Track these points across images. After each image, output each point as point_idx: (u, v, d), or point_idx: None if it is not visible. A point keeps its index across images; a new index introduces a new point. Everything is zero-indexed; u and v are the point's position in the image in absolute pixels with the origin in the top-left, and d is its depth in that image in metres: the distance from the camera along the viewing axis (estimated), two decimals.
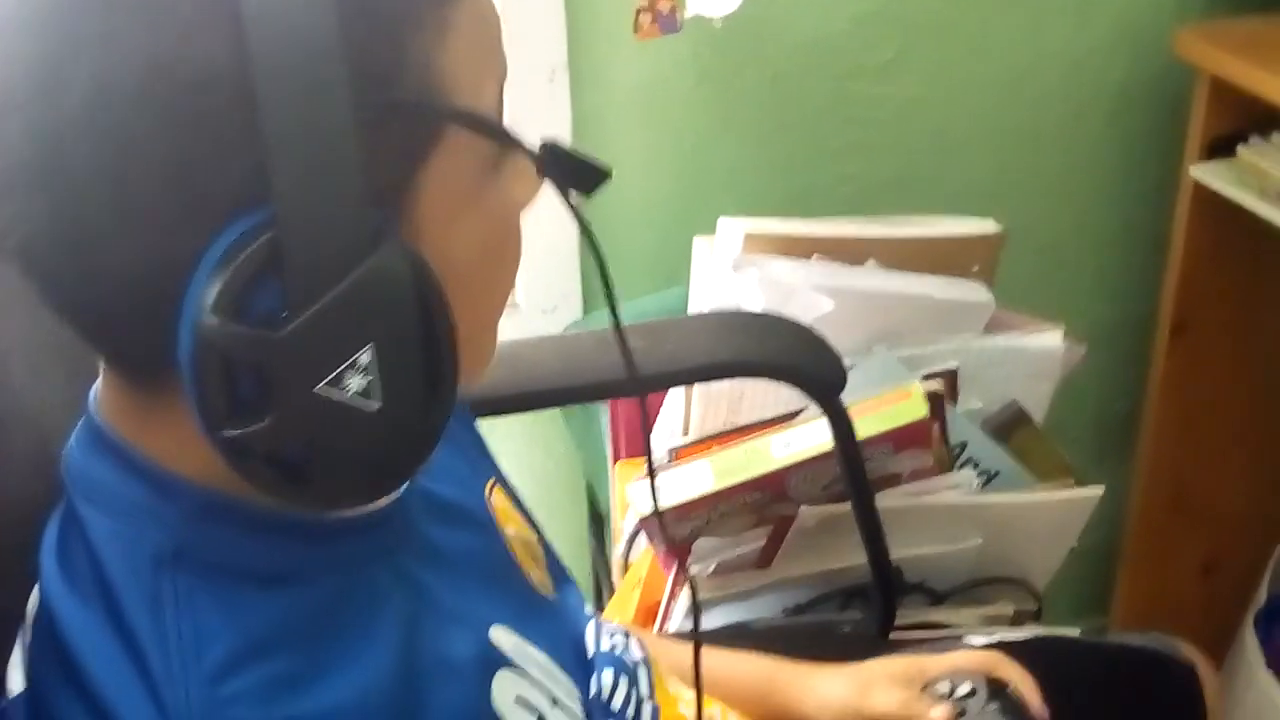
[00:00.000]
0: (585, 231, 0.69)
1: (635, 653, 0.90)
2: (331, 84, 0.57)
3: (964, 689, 1.04)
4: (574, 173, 0.69)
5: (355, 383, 0.59)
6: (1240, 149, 1.57)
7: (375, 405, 0.60)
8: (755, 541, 1.34)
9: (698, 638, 0.89)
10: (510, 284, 0.72)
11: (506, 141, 0.65)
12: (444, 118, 0.62)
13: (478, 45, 0.64)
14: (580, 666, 0.85)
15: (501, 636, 0.74)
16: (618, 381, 1.13)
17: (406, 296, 0.60)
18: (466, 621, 0.73)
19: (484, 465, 0.91)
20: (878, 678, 1.05)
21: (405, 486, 0.72)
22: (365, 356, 0.59)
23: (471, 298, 0.66)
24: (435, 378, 0.62)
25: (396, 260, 0.59)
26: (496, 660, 0.73)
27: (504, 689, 0.72)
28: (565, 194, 0.68)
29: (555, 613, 0.86)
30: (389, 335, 0.60)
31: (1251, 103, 1.52)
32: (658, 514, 0.83)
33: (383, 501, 0.69)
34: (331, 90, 0.57)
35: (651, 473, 0.82)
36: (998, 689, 1.04)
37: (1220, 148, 1.59)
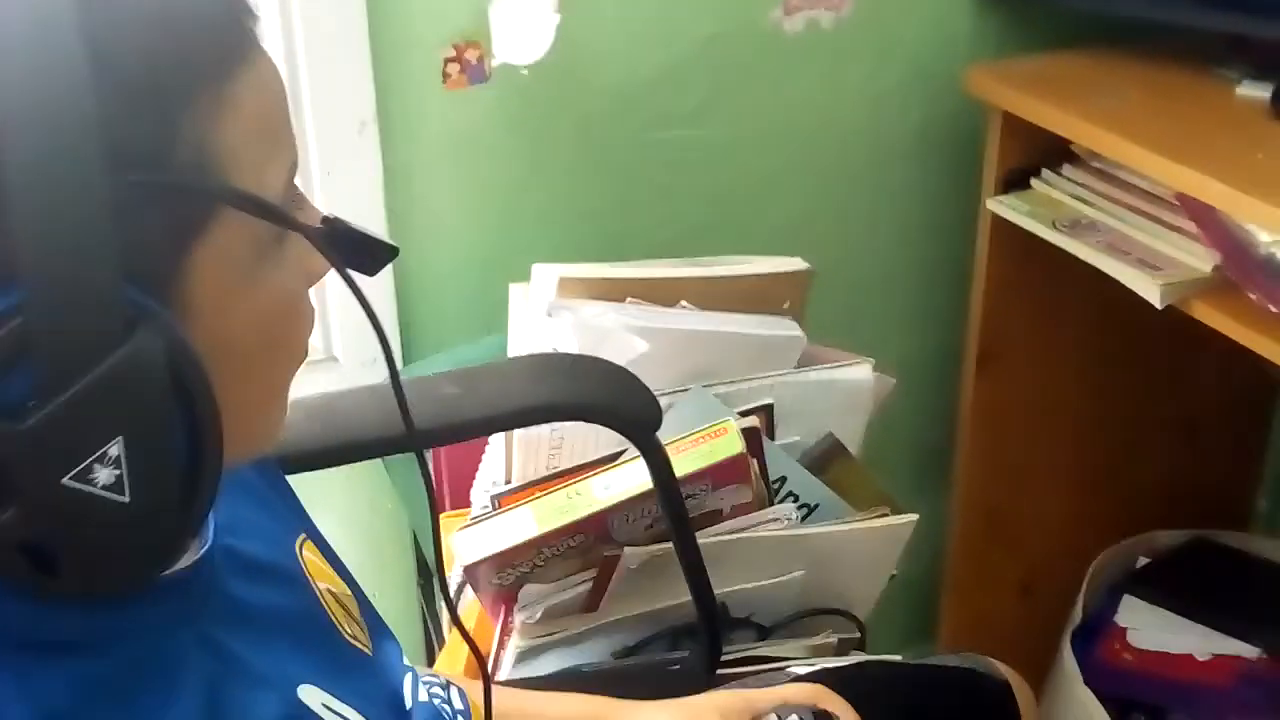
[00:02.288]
0: (361, 301, 0.68)
1: (456, 703, 0.90)
2: (83, 164, 0.54)
3: None
4: (359, 250, 0.69)
5: (104, 475, 0.57)
6: (1034, 182, 1.63)
7: (124, 499, 0.58)
8: (582, 585, 1.34)
9: (488, 683, 0.89)
10: (299, 354, 0.71)
11: (282, 223, 0.63)
12: (215, 198, 0.60)
13: (259, 123, 0.63)
14: None
15: (310, 695, 0.74)
16: (430, 430, 1.13)
17: (160, 387, 0.58)
18: (273, 683, 0.72)
19: (294, 520, 0.90)
20: (705, 712, 1.06)
21: (206, 548, 0.71)
22: (115, 449, 0.57)
23: (255, 372, 0.66)
24: (193, 469, 0.61)
25: (151, 348, 0.57)
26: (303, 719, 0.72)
27: None
28: (344, 273, 0.67)
29: (370, 667, 0.85)
30: (141, 427, 0.58)
31: (1043, 136, 1.58)
32: (440, 571, 0.84)
33: (179, 565, 0.68)
34: (83, 171, 0.54)
35: (435, 529, 0.81)
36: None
37: (1015, 181, 1.64)
